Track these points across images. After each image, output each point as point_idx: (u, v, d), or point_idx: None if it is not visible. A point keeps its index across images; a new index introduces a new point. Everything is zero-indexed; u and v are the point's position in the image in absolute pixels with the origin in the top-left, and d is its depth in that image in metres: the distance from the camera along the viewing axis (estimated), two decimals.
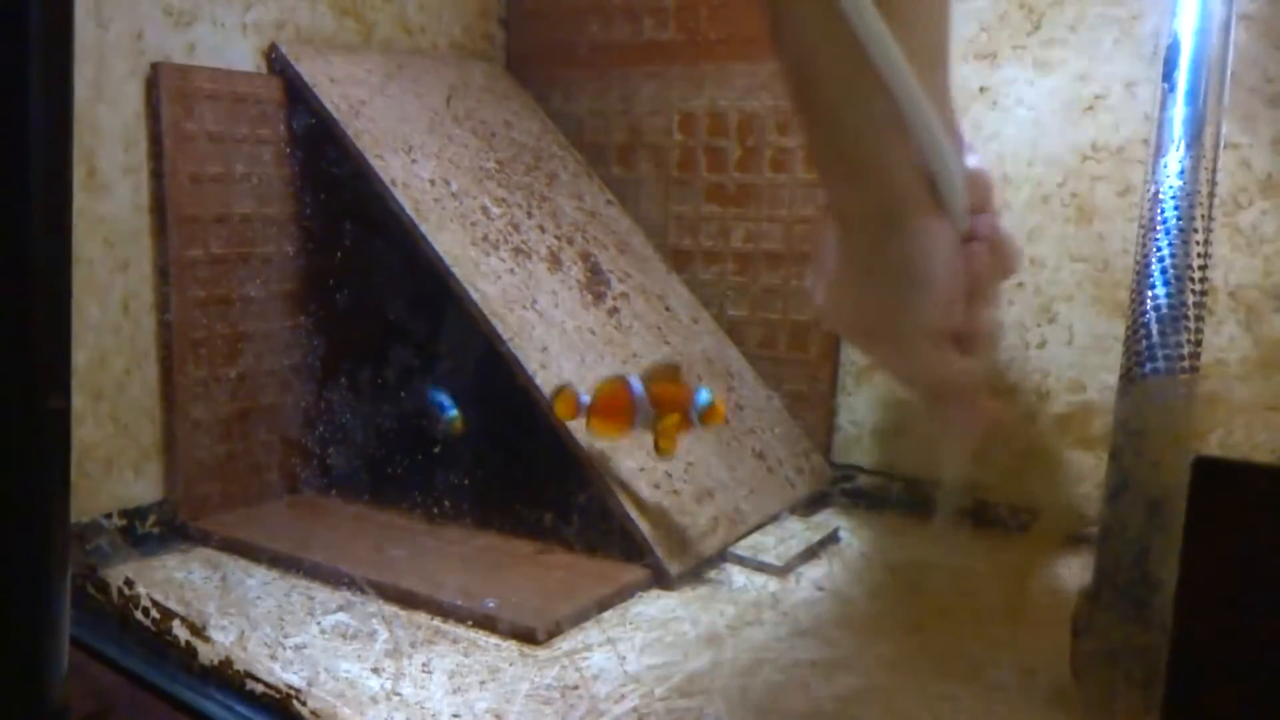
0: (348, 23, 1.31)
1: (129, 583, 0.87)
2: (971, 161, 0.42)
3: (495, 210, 1.23)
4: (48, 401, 0.43)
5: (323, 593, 0.99)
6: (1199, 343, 0.73)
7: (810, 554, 1.10)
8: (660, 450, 1.02)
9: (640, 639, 0.91)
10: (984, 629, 0.94)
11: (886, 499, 1.28)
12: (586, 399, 1.02)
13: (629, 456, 1.07)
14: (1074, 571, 1.04)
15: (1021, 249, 0.45)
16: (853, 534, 1.18)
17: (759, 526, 1.14)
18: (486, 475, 1.15)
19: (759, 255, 1.33)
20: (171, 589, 0.97)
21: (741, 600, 1.00)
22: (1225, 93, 0.76)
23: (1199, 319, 0.72)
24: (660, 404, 1.01)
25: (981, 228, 0.42)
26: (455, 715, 0.78)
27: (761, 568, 1.06)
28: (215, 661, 0.80)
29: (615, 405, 1.02)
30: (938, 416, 0.45)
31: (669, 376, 1.03)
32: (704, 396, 1.01)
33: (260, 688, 0.77)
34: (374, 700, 0.79)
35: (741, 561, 1.08)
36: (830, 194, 0.44)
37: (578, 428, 1.04)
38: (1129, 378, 0.73)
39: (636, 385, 1.02)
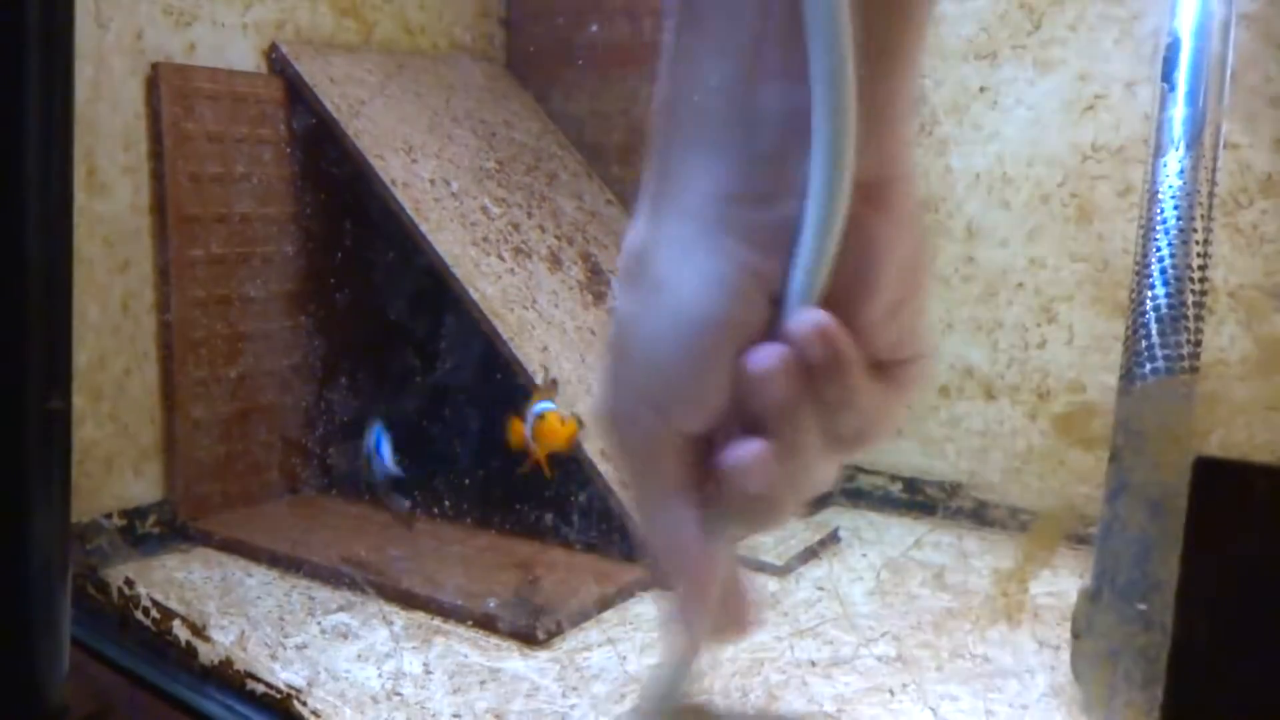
0: (348, 23, 1.31)
1: (129, 583, 0.87)
2: (887, 237, 0.23)
3: (495, 210, 1.23)
4: (48, 401, 0.43)
5: (323, 593, 0.99)
6: (1199, 343, 0.73)
7: (810, 554, 1.10)
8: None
9: (640, 639, 0.91)
10: (984, 629, 0.94)
11: (886, 499, 1.28)
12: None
13: None
14: (1074, 572, 1.04)
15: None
16: (853, 534, 1.18)
17: None
18: (486, 475, 1.15)
19: None
20: (171, 589, 0.97)
21: None
22: (1225, 93, 0.76)
23: (1199, 319, 0.72)
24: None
25: (811, 339, 0.23)
26: (455, 715, 0.77)
27: (761, 568, 1.06)
28: (215, 661, 0.80)
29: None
30: (669, 597, 0.26)
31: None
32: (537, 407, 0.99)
33: (261, 688, 0.77)
34: (374, 700, 0.79)
35: (741, 561, 1.08)
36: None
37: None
38: (1129, 378, 0.73)
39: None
